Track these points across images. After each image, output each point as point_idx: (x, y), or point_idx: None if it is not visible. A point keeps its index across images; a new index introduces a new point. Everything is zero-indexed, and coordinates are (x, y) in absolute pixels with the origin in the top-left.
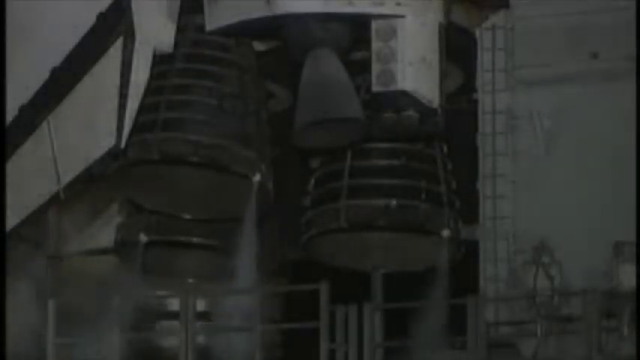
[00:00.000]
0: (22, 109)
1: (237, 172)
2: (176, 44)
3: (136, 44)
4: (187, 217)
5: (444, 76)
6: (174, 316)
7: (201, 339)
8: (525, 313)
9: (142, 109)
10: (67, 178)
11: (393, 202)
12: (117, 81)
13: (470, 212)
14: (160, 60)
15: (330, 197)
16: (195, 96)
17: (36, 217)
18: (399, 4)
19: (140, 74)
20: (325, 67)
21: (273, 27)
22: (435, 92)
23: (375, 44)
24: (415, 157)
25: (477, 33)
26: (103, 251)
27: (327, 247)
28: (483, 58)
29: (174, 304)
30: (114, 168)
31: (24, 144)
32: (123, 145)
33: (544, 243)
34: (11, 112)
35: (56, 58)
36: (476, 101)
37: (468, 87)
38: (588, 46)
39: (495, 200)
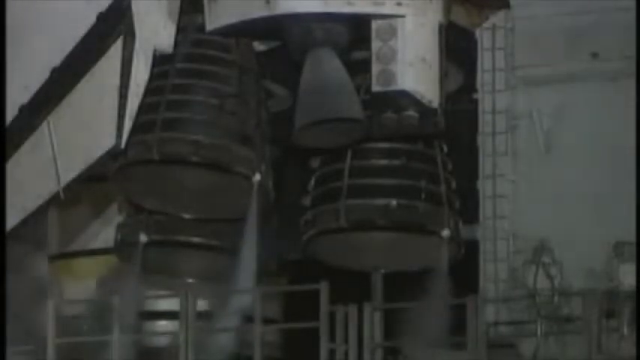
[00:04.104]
0: (22, 109)
1: (237, 172)
2: (176, 44)
3: (136, 44)
4: (187, 217)
5: (444, 76)
6: (174, 316)
7: (200, 339)
8: (525, 313)
9: (142, 109)
10: (67, 178)
11: (393, 202)
12: (117, 81)
13: (470, 212)
14: (160, 60)
15: (330, 197)
16: (195, 96)
17: (36, 218)
18: (399, 4)
19: (140, 74)
20: (325, 67)
21: (273, 27)
22: (435, 92)
23: (375, 44)
24: (415, 157)
25: (477, 33)
26: (103, 251)
27: (327, 247)
28: (483, 58)
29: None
30: (114, 168)
31: (24, 144)
32: (123, 145)
33: (544, 243)
34: (11, 112)
35: (56, 58)
36: (476, 101)
37: (468, 87)
38: (588, 46)
39: (495, 200)
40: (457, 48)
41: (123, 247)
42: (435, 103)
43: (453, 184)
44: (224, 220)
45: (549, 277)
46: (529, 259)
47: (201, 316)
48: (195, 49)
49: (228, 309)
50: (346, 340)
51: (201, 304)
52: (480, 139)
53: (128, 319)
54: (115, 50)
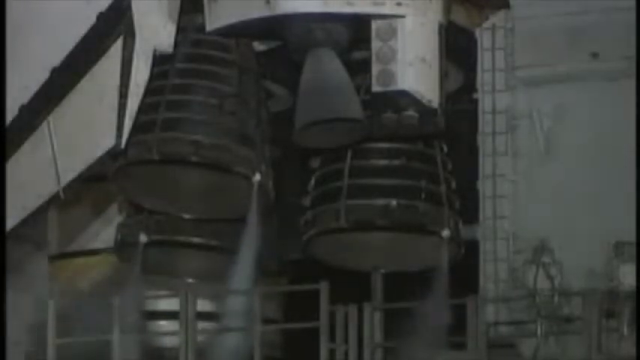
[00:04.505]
0: (22, 109)
1: (237, 172)
2: (176, 44)
3: (136, 44)
4: (187, 217)
5: (444, 76)
6: (174, 316)
7: (201, 339)
8: (525, 313)
9: (142, 109)
10: (67, 178)
11: (393, 202)
12: (117, 81)
13: (470, 212)
14: (160, 60)
15: (330, 197)
16: (195, 96)
17: (36, 218)
18: (399, 4)
19: (140, 74)
20: (325, 67)
21: (273, 27)
22: (435, 92)
23: (375, 44)
24: (415, 157)
25: (477, 33)
26: (103, 251)
27: (327, 247)
28: (483, 58)
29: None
30: (114, 168)
31: (24, 144)
32: (123, 145)
33: (544, 243)
34: (11, 112)
35: (56, 58)
36: (476, 101)
37: (468, 87)
38: (588, 46)
39: (495, 200)
40: (457, 48)
41: (123, 247)
42: (435, 103)
43: (453, 184)
44: (224, 220)
45: (549, 277)
46: (529, 259)
47: (208, 317)
48: (195, 49)
49: (235, 309)
50: (346, 340)
51: (207, 305)
52: (479, 139)
53: (128, 319)
54: (115, 50)
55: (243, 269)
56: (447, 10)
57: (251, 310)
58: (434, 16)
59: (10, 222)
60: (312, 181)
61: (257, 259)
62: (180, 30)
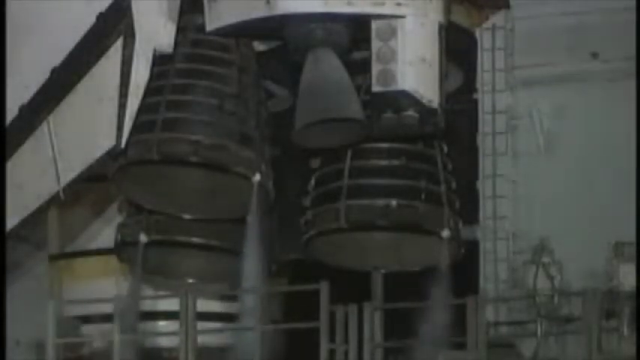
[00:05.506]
0: (22, 109)
1: (237, 172)
2: (176, 44)
3: (136, 44)
4: (187, 217)
5: (444, 76)
6: (174, 316)
7: (200, 339)
8: (525, 313)
9: (142, 109)
10: (67, 178)
11: (393, 202)
12: (117, 81)
13: (470, 212)
14: (160, 60)
15: (330, 197)
16: (195, 96)
17: (36, 218)
18: (399, 4)
19: (140, 74)
20: (325, 67)
21: (273, 27)
22: (435, 92)
23: (375, 44)
24: (415, 157)
25: (477, 33)
26: (103, 251)
27: (327, 247)
28: (483, 58)
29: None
30: (114, 168)
31: (24, 144)
32: (123, 145)
33: (544, 243)
34: (11, 112)
35: (56, 58)
36: (476, 101)
37: (468, 87)
38: (588, 46)
39: (495, 200)
40: (457, 48)
41: (123, 248)
42: (435, 103)
43: (453, 184)
44: (224, 221)
45: (549, 277)
46: (529, 259)
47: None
48: (195, 49)
49: (235, 309)
50: (346, 340)
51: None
52: (479, 139)
53: (129, 320)
54: (115, 50)
55: (243, 269)
56: (447, 10)
57: (252, 310)
58: (434, 16)
59: (10, 222)
60: (312, 181)
61: (257, 259)
62: (180, 30)
